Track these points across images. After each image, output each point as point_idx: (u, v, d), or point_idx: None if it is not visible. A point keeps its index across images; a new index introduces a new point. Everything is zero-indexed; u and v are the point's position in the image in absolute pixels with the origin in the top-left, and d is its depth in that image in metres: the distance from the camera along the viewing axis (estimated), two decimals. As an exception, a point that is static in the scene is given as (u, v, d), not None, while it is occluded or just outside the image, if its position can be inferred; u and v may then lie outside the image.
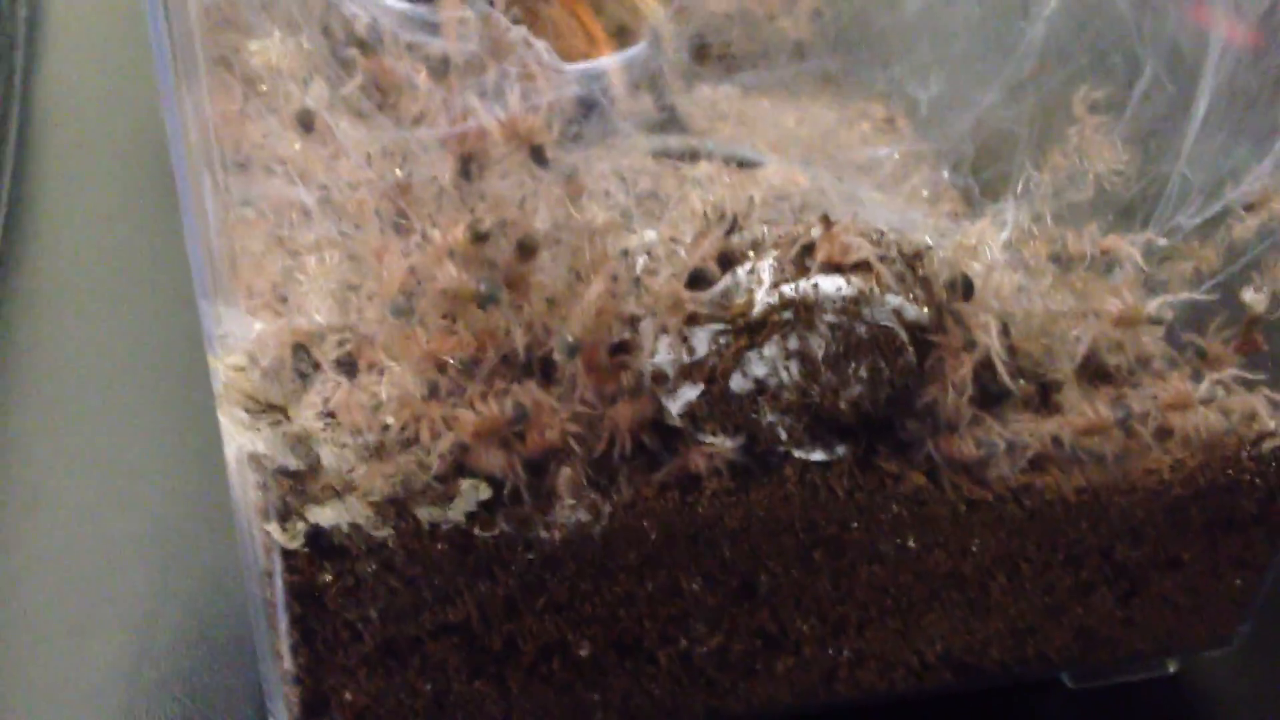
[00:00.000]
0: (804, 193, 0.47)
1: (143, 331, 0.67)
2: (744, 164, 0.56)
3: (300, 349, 0.40)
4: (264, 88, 0.38)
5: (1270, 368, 0.45)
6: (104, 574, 0.54)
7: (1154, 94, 0.48)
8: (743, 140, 0.60)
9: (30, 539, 0.55)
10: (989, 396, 0.44)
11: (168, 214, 0.74)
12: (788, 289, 0.39)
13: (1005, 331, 0.44)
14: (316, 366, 0.40)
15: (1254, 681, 0.53)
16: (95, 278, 0.71)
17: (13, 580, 0.54)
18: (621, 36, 0.55)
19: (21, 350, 0.65)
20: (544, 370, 0.39)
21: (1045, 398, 0.45)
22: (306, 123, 0.37)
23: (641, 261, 0.40)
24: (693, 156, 0.54)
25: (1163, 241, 0.41)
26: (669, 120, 0.57)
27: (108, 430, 0.60)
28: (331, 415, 0.39)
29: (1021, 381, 0.45)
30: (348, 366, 0.40)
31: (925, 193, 0.57)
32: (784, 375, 0.39)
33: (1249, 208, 0.46)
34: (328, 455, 0.37)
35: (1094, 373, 0.46)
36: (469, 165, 0.36)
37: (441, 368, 0.38)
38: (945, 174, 0.57)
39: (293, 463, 0.37)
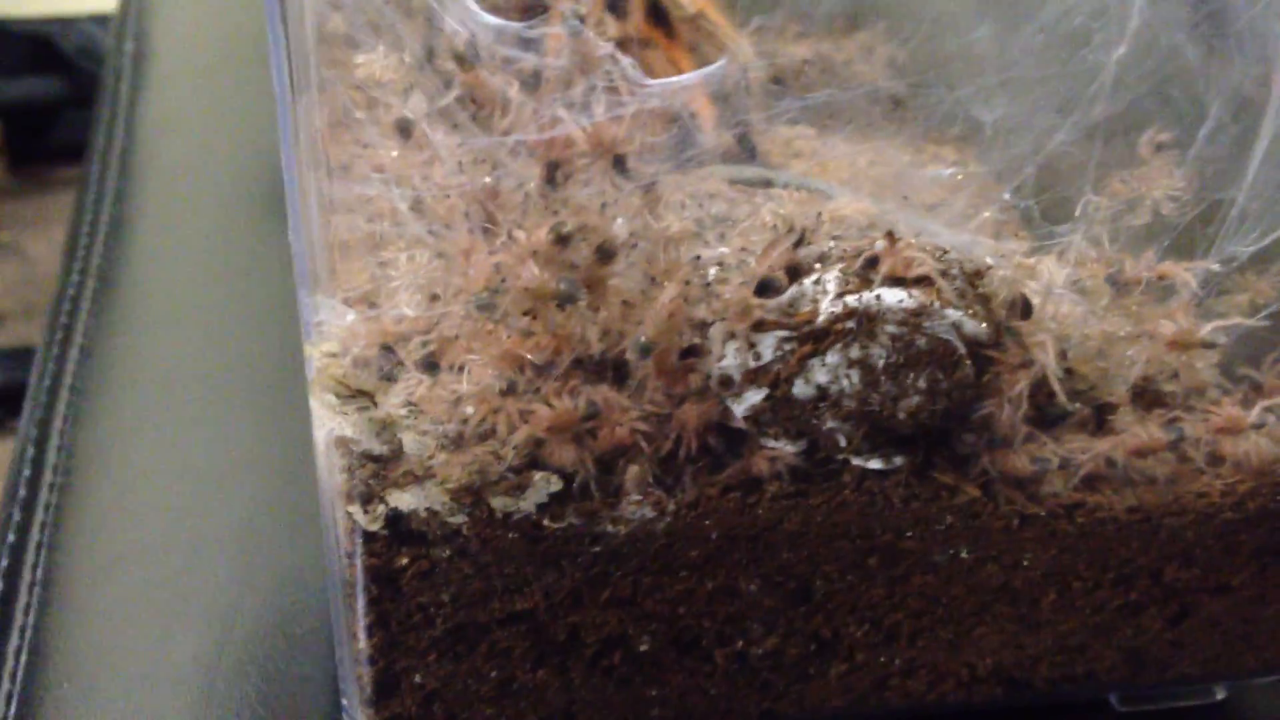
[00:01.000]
0: (871, 217, 0.49)
1: (235, 345, 0.70)
2: (815, 195, 0.59)
3: (387, 349, 0.42)
4: (370, 98, 0.40)
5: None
6: (191, 568, 0.57)
7: (1218, 136, 0.49)
8: (816, 176, 0.63)
9: (124, 534, 0.58)
10: (1046, 417, 0.45)
11: (257, 234, 0.77)
12: (852, 299, 0.41)
13: (1063, 353, 0.45)
14: (401, 365, 0.42)
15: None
16: (190, 293, 0.74)
17: (106, 571, 0.56)
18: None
19: (122, 360, 0.69)
20: (617, 370, 0.41)
21: (1100, 420, 0.46)
22: (405, 131, 0.39)
23: (714, 271, 0.42)
24: (766, 185, 0.57)
25: (1216, 267, 0.43)
26: (748, 155, 0.59)
27: (200, 436, 0.64)
28: (415, 405, 0.41)
29: (1078, 405, 0.46)
30: (430, 366, 0.42)
31: (990, 227, 0.58)
32: (845, 383, 0.41)
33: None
34: (410, 442, 0.39)
35: (1149, 397, 0.47)
36: (554, 172, 0.38)
37: (520, 364, 0.40)
38: (1007, 195, 0.59)
39: (377, 447, 0.39)
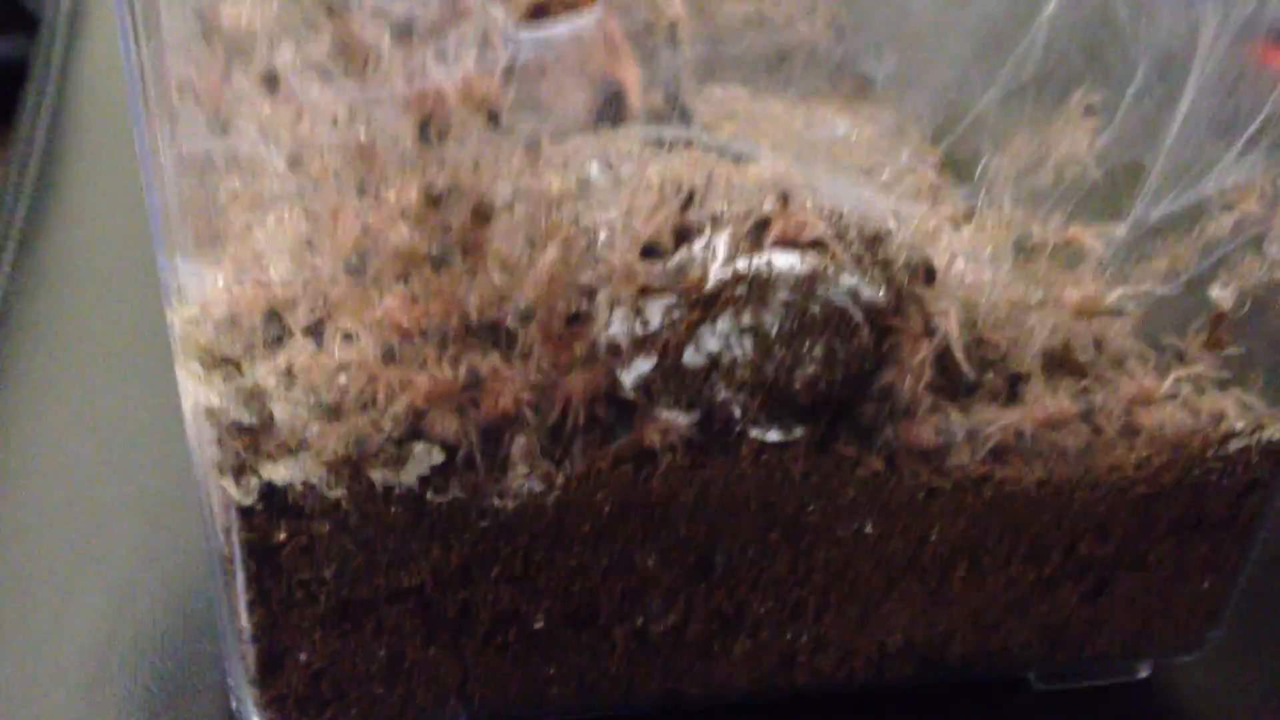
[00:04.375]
0: (779, 178, 0.48)
1: (153, 311, 0.68)
2: (738, 158, 0.57)
3: (273, 315, 0.41)
4: (237, 48, 0.38)
5: (1239, 367, 0.45)
6: (94, 537, 0.55)
7: (1145, 96, 0.48)
8: (746, 138, 0.61)
9: (29, 500, 0.57)
10: (956, 387, 0.44)
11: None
12: (741, 264, 0.39)
13: (972, 321, 0.44)
14: (288, 331, 0.41)
15: (1228, 688, 0.52)
16: (109, 258, 0.72)
17: (6, 538, 0.55)
18: (645, 35, 0.56)
19: (36, 324, 0.67)
20: (501, 338, 0.40)
21: (1013, 389, 0.45)
22: (271, 84, 0.37)
23: (603, 234, 0.41)
24: (686, 146, 0.55)
25: (1122, 232, 0.41)
26: (678, 115, 0.57)
27: (113, 401, 0.62)
28: (291, 372, 0.39)
29: (990, 374, 0.45)
30: (317, 333, 0.40)
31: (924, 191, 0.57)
32: (737, 351, 0.40)
33: (1227, 205, 0.46)
34: (281, 412, 0.38)
35: (1065, 367, 0.46)
36: (427, 128, 0.37)
37: (399, 331, 0.38)
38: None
39: (246, 417, 0.38)
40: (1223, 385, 0.46)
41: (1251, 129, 0.45)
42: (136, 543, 0.55)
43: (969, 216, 0.47)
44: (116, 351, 0.66)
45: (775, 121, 0.64)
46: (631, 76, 0.54)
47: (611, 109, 0.52)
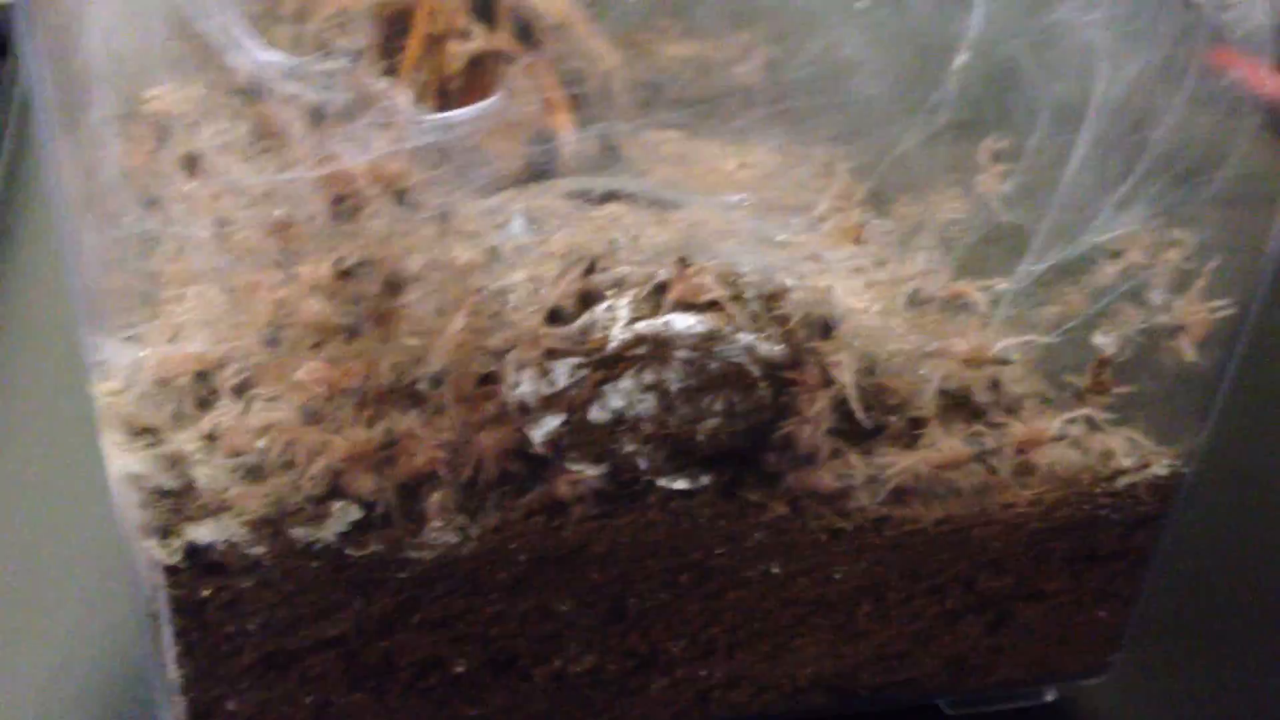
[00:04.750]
0: (691, 233, 0.50)
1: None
2: (665, 205, 0.59)
3: (201, 376, 0.42)
4: (161, 132, 0.40)
5: (1127, 407, 0.48)
6: (41, 586, 0.56)
7: (1046, 146, 0.50)
8: (680, 183, 0.63)
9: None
10: (860, 432, 0.46)
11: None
12: (642, 326, 0.41)
13: (871, 370, 0.46)
14: (215, 393, 0.42)
15: (1132, 708, 0.55)
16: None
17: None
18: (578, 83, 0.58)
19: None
20: (416, 400, 0.42)
21: (914, 432, 0.47)
22: (191, 165, 0.39)
23: (513, 299, 0.43)
24: (613, 197, 0.57)
25: (1003, 286, 0.43)
26: (611, 161, 0.59)
27: (57, 453, 0.63)
28: (213, 438, 0.41)
29: (893, 418, 0.47)
30: (242, 394, 0.42)
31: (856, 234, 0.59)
32: (641, 407, 0.42)
33: (1115, 254, 0.48)
34: (201, 476, 0.39)
35: (962, 410, 0.48)
36: (339, 206, 0.39)
37: (317, 396, 0.40)
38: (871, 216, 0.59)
39: (168, 482, 0.39)
40: (1114, 425, 0.48)
41: (1132, 180, 0.48)
42: (85, 592, 0.56)
43: (881, 263, 0.49)
44: (68, 403, 0.68)
45: (708, 164, 0.66)
46: (565, 126, 0.56)
47: (545, 159, 0.54)
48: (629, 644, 0.46)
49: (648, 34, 0.63)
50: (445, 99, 0.53)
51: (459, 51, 0.53)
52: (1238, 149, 0.46)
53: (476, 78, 0.54)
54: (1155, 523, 0.48)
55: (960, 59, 0.53)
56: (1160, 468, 0.47)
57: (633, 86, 0.59)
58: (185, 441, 0.39)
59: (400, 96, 0.37)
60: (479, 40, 0.54)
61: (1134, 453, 0.47)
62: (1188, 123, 0.47)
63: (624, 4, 0.60)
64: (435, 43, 0.54)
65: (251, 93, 0.39)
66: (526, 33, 0.56)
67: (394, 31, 0.54)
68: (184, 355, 0.39)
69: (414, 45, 0.53)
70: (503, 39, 0.55)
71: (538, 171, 0.53)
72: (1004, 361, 0.44)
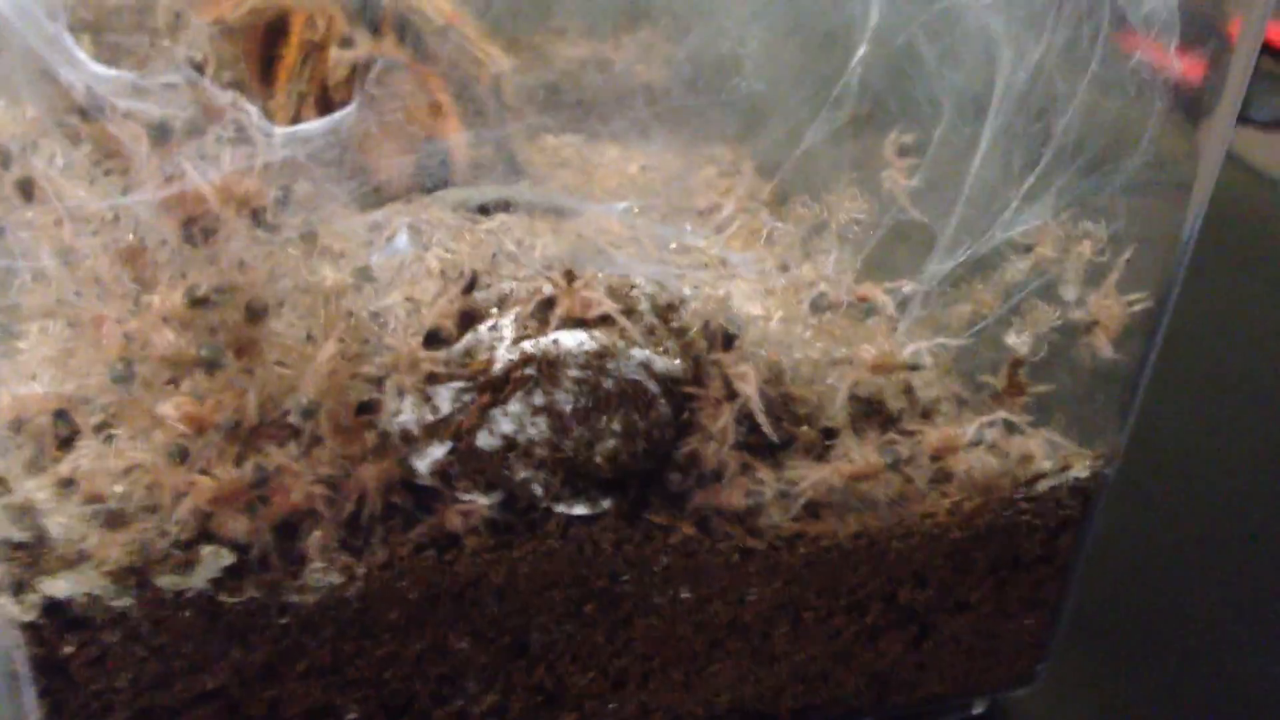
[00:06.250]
0: (583, 243, 0.47)
1: None
2: (562, 213, 0.56)
3: (61, 414, 0.39)
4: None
5: (1044, 408, 0.46)
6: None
7: (952, 138, 0.48)
8: (580, 188, 0.61)
9: None
10: (768, 445, 0.43)
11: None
12: (529, 345, 0.38)
13: (778, 379, 0.44)
14: (76, 432, 0.39)
15: (1065, 718, 0.53)
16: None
17: None
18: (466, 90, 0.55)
19: None
20: (288, 433, 0.39)
21: (826, 442, 0.45)
22: (27, 191, 0.36)
23: (392, 323, 0.40)
24: (505, 206, 0.54)
25: (909, 289, 0.41)
26: (508, 168, 0.57)
27: None
28: (70, 483, 0.38)
29: (804, 428, 0.45)
30: (105, 433, 0.39)
31: (763, 234, 0.57)
32: (533, 431, 0.39)
33: (1025, 249, 0.46)
34: (54, 526, 0.36)
35: (879, 418, 0.46)
36: (191, 229, 0.36)
37: (176, 434, 0.37)
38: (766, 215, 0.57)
39: (17, 534, 0.36)
40: (1032, 427, 0.46)
41: (1039, 170, 0.46)
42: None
43: (785, 267, 0.47)
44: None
45: (610, 168, 0.63)
46: (457, 134, 0.53)
47: (438, 168, 0.51)
48: (534, 679, 0.44)
49: (543, 35, 0.60)
50: (328, 110, 0.50)
51: (341, 60, 0.50)
52: (1147, 134, 0.44)
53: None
54: (1078, 526, 0.47)
55: (859, 51, 0.51)
56: (1081, 469, 0.45)
57: (527, 90, 0.57)
58: (36, 489, 0.36)
59: (250, 109, 0.34)
60: (362, 47, 0.51)
61: (1053, 455, 0.46)
62: (1094, 109, 0.45)
63: (517, 6, 0.57)
64: (315, 51, 0.51)
65: (90, 111, 0.36)
66: (414, 38, 0.54)
67: (272, 40, 0.51)
68: (37, 396, 0.36)
69: (291, 54, 0.51)
70: (387, 45, 0.53)
71: (433, 183, 0.51)
72: (915, 367, 0.41)
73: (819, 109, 0.51)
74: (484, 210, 0.53)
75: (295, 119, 0.49)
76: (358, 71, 0.52)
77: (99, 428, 0.38)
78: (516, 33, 0.57)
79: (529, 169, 0.59)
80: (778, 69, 0.53)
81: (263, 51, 0.51)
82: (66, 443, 0.39)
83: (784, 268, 0.48)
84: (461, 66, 0.56)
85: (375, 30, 0.54)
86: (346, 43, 0.52)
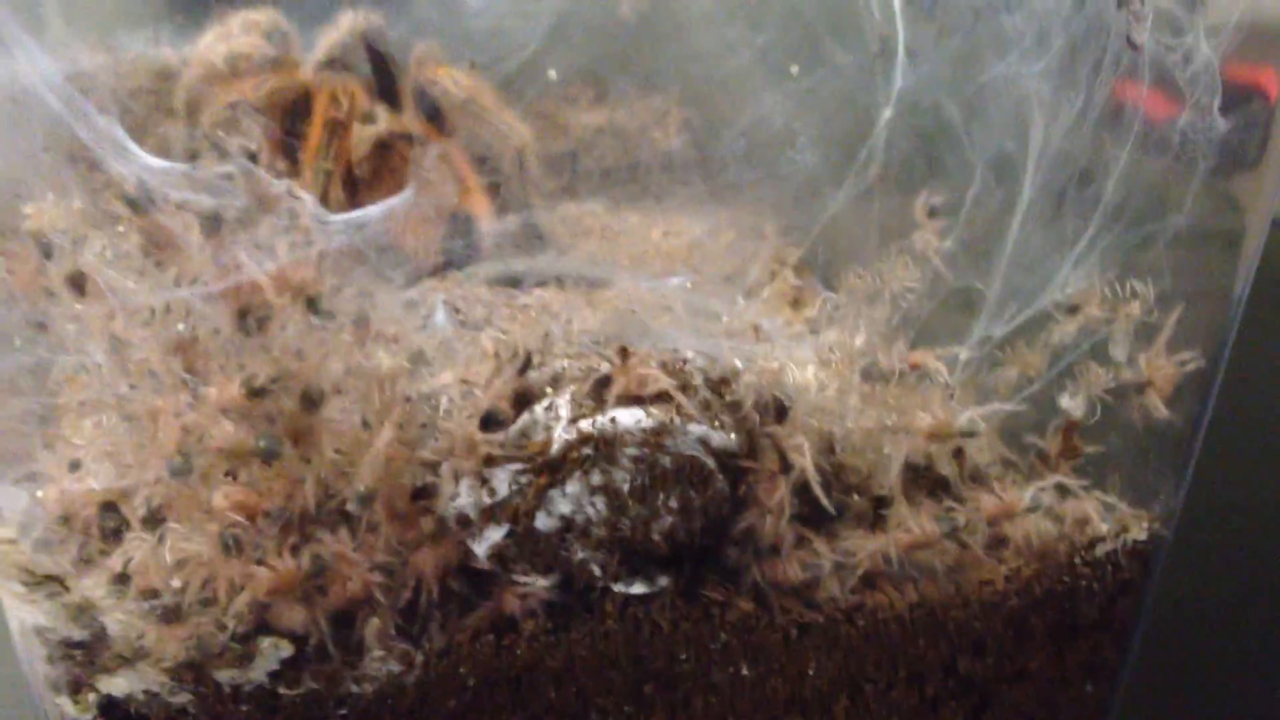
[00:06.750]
0: (624, 316, 0.47)
1: None
2: (592, 284, 0.56)
3: (109, 507, 0.39)
4: (46, 249, 0.37)
5: (1098, 470, 0.45)
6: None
7: (985, 198, 0.48)
8: (603, 257, 0.60)
9: None
10: (823, 515, 0.43)
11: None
12: (586, 424, 0.38)
13: (831, 449, 0.43)
14: (125, 524, 0.39)
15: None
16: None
17: None
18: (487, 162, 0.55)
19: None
20: (345, 521, 0.38)
21: (878, 512, 0.44)
22: (78, 284, 0.36)
23: (445, 405, 0.39)
24: (539, 280, 0.54)
25: (966, 354, 0.41)
26: (533, 239, 0.57)
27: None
28: (126, 578, 0.38)
29: (856, 497, 0.44)
30: (155, 524, 0.39)
31: (790, 296, 0.57)
32: (591, 511, 0.39)
33: (1071, 310, 0.46)
34: (112, 624, 0.36)
35: (932, 484, 0.45)
36: (245, 319, 0.35)
37: (235, 526, 0.37)
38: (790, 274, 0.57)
39: (76, 633, 0.36)
40: (1086, 490, 0.46)
41: (1087, 232, 0.46)
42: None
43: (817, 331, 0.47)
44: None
45: (632, 234, 0.63)
46: (482, 207, 0.53)
47: (464, 242, 0.51)
48: (594, 763, 0.43)
49: (558, 103, 0.60)
50: (353, 186, 0.50)
51: (364, 136, 0.51)
52: (1191, 191, 0.44)
53: (384, 161, 0.51)
54: (1137, 590, 0.46)
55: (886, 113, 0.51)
56: (1138, 532, 0.45)
57: (549, 160, 0.57)
58: (92, 586, 0.36)
59: (305, 197, 0.34)
60: (384, 123, 0.51)
61: (1110, 518, 0.45)
62: (1136, 168, 0.45)
63: (534, 74, 0.57)
64: (339, 128, 0.51)
65: (140, 202, 0.36)
66: (434, 111, 0.54)
67: (293, 119, 0.51)
68: (86, 491, 0.35)
69: (316, 132, 0.51)
70: (409, 120, 0.53)
71: (458, 259, 0.51)
72: (971, 434, 0.41)
73: (850, 174, 0.51)
74: (514, 283, 0.53)
75: (324, 197, 0.49)
76: (388, 149, 0.52)
77: (148, 520, 0.37)
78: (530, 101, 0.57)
79: (553, 240, 0.59)
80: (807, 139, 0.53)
81: (283, 130, 0.51)
82: (113, 535, 0.39)
83: (817, 331, 0.47)
84: (483, 138, 0.56)
85: (395, 105, 0.54)
86: (369, 119, 0.52)
